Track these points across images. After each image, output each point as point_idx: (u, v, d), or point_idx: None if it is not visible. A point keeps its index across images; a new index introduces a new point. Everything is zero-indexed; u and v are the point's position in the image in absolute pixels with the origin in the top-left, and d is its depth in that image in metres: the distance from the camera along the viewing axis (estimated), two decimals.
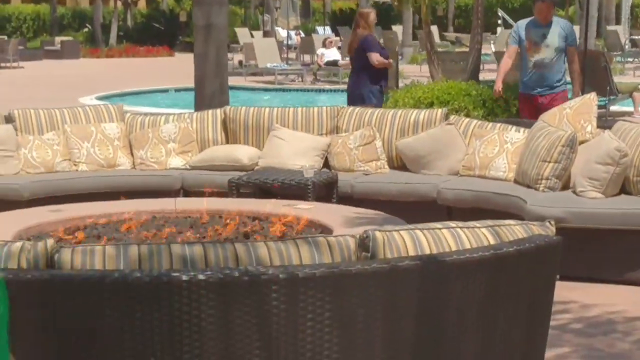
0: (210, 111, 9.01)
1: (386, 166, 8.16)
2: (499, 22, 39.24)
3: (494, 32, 37.53)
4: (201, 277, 2.86)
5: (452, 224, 3.36)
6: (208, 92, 11.15)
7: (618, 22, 36.93)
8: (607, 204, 6.61)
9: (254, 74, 27.13)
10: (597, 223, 6.53)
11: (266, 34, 36.77)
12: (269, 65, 25.95)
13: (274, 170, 8.04)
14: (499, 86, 9.78)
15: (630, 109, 16.57)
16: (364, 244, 3.19)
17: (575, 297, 6.11)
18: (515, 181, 7.40)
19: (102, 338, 2.91)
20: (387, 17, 41.51)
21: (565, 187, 7.07)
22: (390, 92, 12.18)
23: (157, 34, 46.02)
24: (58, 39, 42.11)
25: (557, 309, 5.15)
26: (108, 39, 44.09)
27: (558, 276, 3.57)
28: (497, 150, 7.65)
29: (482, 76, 16.87)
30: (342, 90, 22.98)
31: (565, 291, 5.92)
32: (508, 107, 11.56)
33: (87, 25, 48.78)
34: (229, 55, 30.11)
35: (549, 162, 7.04)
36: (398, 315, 3.07)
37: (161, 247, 3.06)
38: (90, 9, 51.15)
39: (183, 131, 8.64)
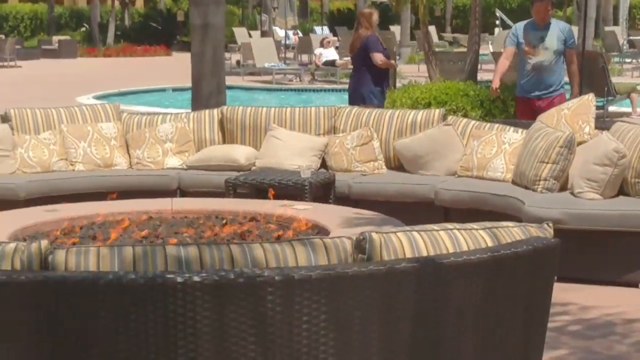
0: (207, 111, 8.99)
1: (384, 167, 8.14)
2: (497, 22, 39.23)
3: (492, 33, 37.54)
4: (196, 278, 2.84)
5: (449, 225, 3.33)
6: (205, 92, 11.13)
7: (616, 23, 36.94)
8: (605, 205, 6.59)
9: (251, 74, 27.14)
10: (595, 224, 6.51)
11: (264, 34, 36.77)
12: (266, 65, 25.95)
13: (271, 170, 8.02)
14: (496, 84, 9.70)
15: (628, 109, 16.57)
16: (361, 245, 3.16)
17: (573, 299, 6.09)
18: (513, 182, 7.38)
19: (96, 340, 2.89)
20: (384, 17, 41.50)
21: (563, 188, 7.06)
22: (388, 92, 12.18)
23: (154, 33, 46.01)
24: (55, 38, 42.12)
25: (555, 310, 5.13)
26: (105, 39, 44.09)
27: (555, 278, 3.55)
28: (494, 151, 7.63)
29: (480, 76, 16.87)
30: (340, 90, 23.07)
31: (563, 293, 5.90)
32: (506, 108, 11.55)
33: (85, 24, 48.77)
34: (227, 55, 30.22)
35: (547, 163, 7.02)
36: (395, 317, 3.05)
37: (156, 249, 3.04)
38: (87, 8, 51.17)
39: (180, 131, 8.62)
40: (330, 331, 2.94)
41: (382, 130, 8.29)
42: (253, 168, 8.28)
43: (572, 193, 6.88)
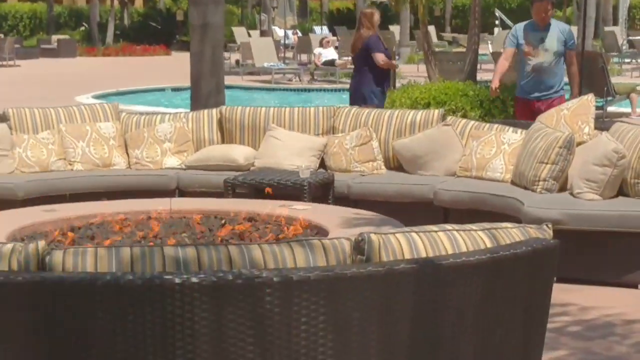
0: (206, 111, 8.98)
1: (383, 167, 8.13)
2: (497, 22, 39.22)
3: (491, 33, 37.53)
4: (194, 279, 2.83)
5: (448, 226, 3.32)
6: (204, 92, 11.12)
7: (615, 23, 36.92)
8: (604, 206, 6.58)
9: (250, 74, 27.12)
10: (594, 225, 6.50)
11: (263, 34, 36.76)
12: (266, 64, 25.95)
13: (270, 170, 8.01)
14: (495, 84, 9.61)
15: (628, 109, 16.56)
16: (359, 246, 3.15)
17: (572, 300, 6.08)
18: (512, 182, 7.37)
19: (93, 341, 2.87)
20: (384, 17, 41.46)
21: (563, 188, 7.04)
22: (387, 92, 12.17)
23: (154, 32, 46.01)
24: (55, 37, 42.10)
25: (554, 311, 5.12)
26: (105, 38, 44.08)
27: (555, 278, 3.54)
28: (494, 151, 7.62)
29: (480, 76, 16.86)
30: (339, 90, 23.07)
31: (562, 294, 5.89)
32: (505, 108, 11.53)
33: (84, 23, 48.76)
34: (226, 54, 30.21)
35: (546, 163, 7.00)
36: (394, 319, 3.04)
37: (154, 249, 3.03)
38: (87, 7, 51.13)
39: (179, 131, 8.60)
40: (328, 332, 2.93)
41: (381, 130, 8.28)
42: (252, 168, 8.27)
43: (571, 193, 6.87)
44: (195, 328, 2.83)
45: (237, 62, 28.92)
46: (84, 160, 8.36)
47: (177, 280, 2.82)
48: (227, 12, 42.77)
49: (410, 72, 24.94)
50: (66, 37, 43.02)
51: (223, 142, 8.67)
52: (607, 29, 33.54)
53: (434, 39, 34.26)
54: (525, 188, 7.12)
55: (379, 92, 11.59)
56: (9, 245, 3.08)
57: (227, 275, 2.84)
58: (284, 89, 24.68)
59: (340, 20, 47.38)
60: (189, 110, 10.29)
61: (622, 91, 16.06)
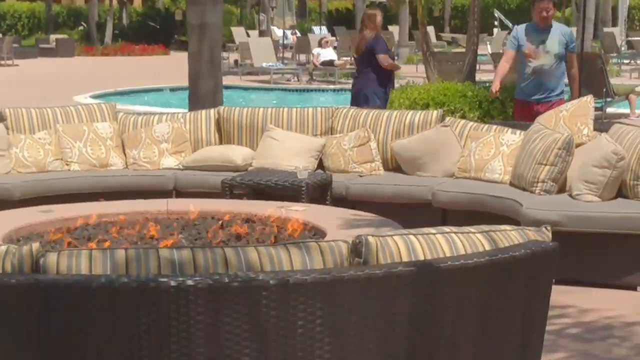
0: (203, 111, 8.95)
1: (381, 168, 8.10)
2: (496, 23, 39.21)
3: (491, 33, 37.50)
4: (190, 282, 2.80)
5: (446, 229, 3.30)
6: (202, 92, 11.10)
7: (614, 23, 36.90)
8: (603, 208, 6.55)
9: (249, 74, 27.10)
10: (593, 227, 6.47)
11: (262, 34, 36.75)
12: (264, 64, 25.93)
13: (267, 171, 7.98)
14: (496, 87, 9.50)
15: (627, 111, 16.55)
16: (357, 249, 3.13)
17: (571, 302, 6.05)
18: (511, 184, 7.35)
19: (87, 344, 2.85)
20: (383, 18, 41.43)
21: (562, 190, 7.02)
22: (390, 93, 12.15)
23: (152, 32, 46.00)
24: (53, 37, 42.08)
25: (553, 313, 5.11)
26: (103, 37, 44.06)
27: (553, 280, 3.52)
28: (492, 153, 7.59)
29: (478, 77, 16.83)
30: (338, 90, 23.05)
31: (561, 295, 5.86)
32: (504, 109, 11.49)
33: (83, 23, 48.75)
34: (225, 54, 30.21)
35: (545, 164, 6.98)
36: (391, 322, 3.01)
37: (149, 252, 3.00)
38: (85, 7, 51.11)
39: (176, 131, 8.57)
40: (325, 336, 2.91)
41: (379, 131, 8.25)
42: (250, 169, 8.24)
43: (570, 195, 6.85)
44: (191, 331, 2.81)
45: (236, 62, 28.89)
46: (81, 161, 8.33)
47: (172, 283, 2.80)
48: (225, 12, 42.73)
49: (409, 72, 24.91)
50: (65, 36, 42.99)
51: (221, 142, 8.65)
52: (606, 29, 33.51)
53: (433, 39, 34.26)
54: (524, 189, 7.10)
55: (382, 93, 11.60)
56: (3, 247, 3.06)
57: (223, 278, 2.82)
58: (283, 89, 24.67)
59: (339, 20, 47.41)
60: (186, 111, 10.27)
61: (621, 92, 16.05)
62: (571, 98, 9.16)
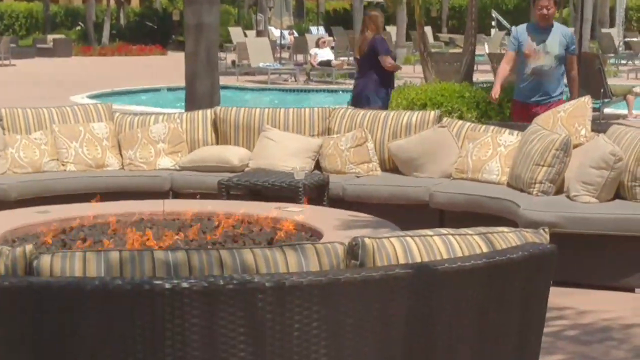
0: (200, 111, 8.93)
1: (378, 168, 8.08)
2: (493, 23, 39.21)
3: (488, 34, 37.48)
4: (185, 284, 2.78)
5: (443, 230, 3.28)
6: (199, 92, 11.07)
7: (612, 24, 36.92)
8: (601, 209, 6.53)
9: (247, 74, 27.08)
10: (591, 228, 6.45)
11: (259, 34, 36.70)
12: (261, 64, 25.92)
13: (264, 171, 7.96)
14: (496, 92, 9.34)
15: (624, 111, 16.55)
16: (353, 251, 3.11)
17: (569, 304, 6.03)
18: (509, 185, 7.32)
19: (81, 348, 2.83)
20: None
21: (559, 191, 7.00)
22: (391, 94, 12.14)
23: (150, 32, 45.98)
24: (50, 37, 42.04)
25: (551, 315, 5.08)
26: (101, 38, 44.02)
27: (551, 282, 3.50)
28: (490, 153, 7.57)
29: (476, 77, 16.82)
30: (336, 91, 23.04)
31: (559, 297, 5.84)
32: (502, 110, 11.48)
33: (80, 23, 48.72)
34: (222, 54, 30.19)
35: (543, 165, 6.96)
36: (388, 324, 2.99)
37: (143, 254, 2.98)
38: (83, 7, 51.06)
39: (173, 131, 8.55)
40: (322, 339, 2.89)
41: (376, 131, 8.23)
42: (246, 169, 8.22)
43: (568, 196, 6.82)
44: (185, 334, 2.79)
45: (233, 62, 28.87)
46: (77, 161, 8.30)
47: (167, 286, 2.77)
48: (223, 12, 42.74)
49: (407, 73, 24.88)
50: (62, 36, 42.96)
51: (217, 143, 8.62)
52: (603, 30, 33.53)
53: (431, 39, 34.25)
54: (522, 190, 7.07)
55: (384, 95, 11.60)
56: None
57: (218, 280, 2.80)
58: (280, 90, 24.65)
59: (336, 20, 47.39)
60: (183, 111, 10.24)
61: (619, 93, 16.05)
62: (570, 100, 9.08)
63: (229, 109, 8.72)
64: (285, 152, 8.16)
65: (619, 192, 6.73)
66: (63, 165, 8.28)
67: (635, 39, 32.15)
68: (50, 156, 8.25)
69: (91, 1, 45.42)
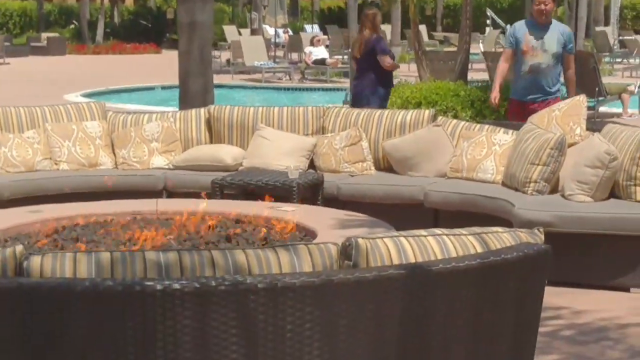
0: (194, 110, 8.89)
1: (372, 167, 8.05)
2: (488, 22, 39.19)
3: (483, 32, 37.52)
4: (176, 286, 2.75)
5: (438, 231, 3.26)
6: (192, 90, 11.04)
7: (607, 23, 36.94)
8: (596, 208, 6.51)
9: (241, 72, 27.06)
10: (585, 227, 6.43)
11: (254, 32, 36.64)
12: (256, 63, 25.90)
13: (258, 171, 7.93)
14: (495, 96, 9.27)
15: (619, 110, 16.54)
16: (347, 251, 3.08)
17: (565, 303, 6.01)
18: (503, 184, 7.30)
19: (71, 349, 2.80)
20: None
21: (554, 190, 6.98)
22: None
23: (144, 31, 45.93)
24: (44, 35, 41.98)
25: (546, 315, 5.07)
26: (95, 36, 43.96)
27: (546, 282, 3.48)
28: (485, 152, 7.55)
29: (471, 76, 16.80)
30: (330, 89, 23.02)
31: (554, 297, 5.83)
32: (497, 109, 11.45)
33: (74, 21, 48.64)
34: (217, 53, 30.14)
35: (538, 164, 6.94)
36: (382, 325, 2.97)
37: (135, 254, 2.95)
38: (77, 5, 51.00)
39: (166, 130, 8.52)
40: (315, 340, 2.87)
41: (371, 130, 8.20)
42: (240, 168, 8.19)
43: (562, 195, 6.80)
44: (177, 336, 2.76)
45: (228, 60, 28.84)
46: (69, 160, 8.26)
47: (158, 287, 2.74)
48: (217, 11, 42.73)
49: (401, 71, 24.80)
50: (56, 35, 42.89)
51: (211, 141, 8.59)
52: (598, 28, 33.54)
53: (425, 38, 34.25)
54: (516, 190, 7.05)
55: (383, 94, 11.57)
56: None
57: (210, 281, 2.77)
58: (275, 88, 24.64)
59: (331, 19, 47.39)
60: (177, 110, 10.21)
61: (614, 91, 16.03)
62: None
63: (222, 108, 8.69)
64: (279, 151, 8.14)
65: (614, 191, 6.71)
66: (56, 164, 8.25)
67: (630, 38, 32.13)
68: (43, 155, 8.22)
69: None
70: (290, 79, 26.01)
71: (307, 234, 5.53)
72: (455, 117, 10.76)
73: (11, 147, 8.13)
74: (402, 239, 3.16)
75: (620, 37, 33.88)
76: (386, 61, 11.51)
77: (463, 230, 3.29)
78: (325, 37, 31.18)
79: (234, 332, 2.78)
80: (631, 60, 29.16)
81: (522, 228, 3.56)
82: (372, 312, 2.94)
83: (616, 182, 6.66)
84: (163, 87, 22.96)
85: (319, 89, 23.70)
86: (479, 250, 3.22)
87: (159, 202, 6.38)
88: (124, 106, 17.93)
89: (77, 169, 8.23)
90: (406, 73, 23.21)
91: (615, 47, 31.90)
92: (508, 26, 10.39)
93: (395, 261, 3.09)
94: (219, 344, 2.78)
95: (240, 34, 34.76)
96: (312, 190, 7.56)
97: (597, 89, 14.63)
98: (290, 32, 38.68)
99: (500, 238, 3.30)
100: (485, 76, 17.95)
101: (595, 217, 6.43)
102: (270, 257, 3.00)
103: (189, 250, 2.98)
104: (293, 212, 5.95)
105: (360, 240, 3.09)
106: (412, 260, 3.11)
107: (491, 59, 16.88)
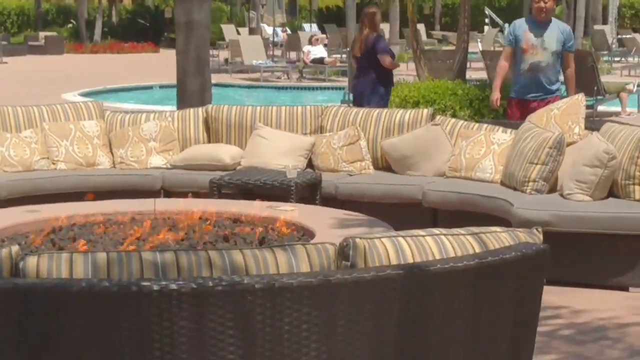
0: (192, 109, 8.88)
1: (371, 167, 8.04)
2: (486, 20, 39.19)
3: (481, 31, 37.54)
4: (173, 286, 2.73)
5: (436, 231, 3.25)
6: (190, 90, 11.03)
7: (605, 21, 36.95)
8: (594, 207, 6.50)
9: (240, 71, 27.05)
10: (584, 227, 6.42)
11: (252, 31, 36.65)
12: (254, 62, 25.88)
13: (256, 170, 7.91)
14: (496, 97, 9.25)
15: (618, 109, 16.53)
16: (344, 252, 3.07)
17: (563, 303, 6.00)
18: (502, 183, 7.29)
19: (67, 350, 2.79)
20: None
21: (553, 189, 6.97)
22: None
23: (142, 30, 45.88)
24: (42, 34, 41.93)
25: (545, 314, 5.06)
26: (92, 35, 43.92)
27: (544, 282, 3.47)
28: (483, 152, 7.53)
29: (469, 75, 16.81)
30: (329, 88, 23.01)
31: (552, 296, 5.82)
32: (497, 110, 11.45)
33: (72, 20, 48.61)
34: (215, 52, 30.12)
35: (536, 164, 6.92)
36: (380, 326, 2.96)
37: (131, 255, 2.93)
38: (74, 4, 50.96)
39: (164, 130, 8.50)
40: (312, 340, 2.85)
41: (369, 129, 8.19)
42: (238, 168, 8.17)
43: (561, 194, 6.79)
44: (174, 337, 2.75)
45: (226, 60, 28.83)
46: (67, 160, 8.25)
47: (155, 287, 2.73)
48: (215, 10, 42.74)
49: (400, 70, 24.81)
50: (54, 34, 42.84)
51: (209, 141, 8.58)
52: (596, 27, 33.55)
53: (424, 37, 34.22)
54: (515, 189, 7.04)
55: (384, 93, 11.56)
56: None
57: (207, 282, 2.76)
58: (273, 87, 24.63)
59: (329, 18, 47.35)
60: (175, 109, 10.20)
61: (612, 90, 16.04)
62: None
63: (220, 107, 8.68)
64: (277, 151, 8.12)
65: (613, 191, 6.70)
66: (53, 163, 8.23)
67: (628, 36, 32.14)
68: (40, 155, 8.20)
69: None
70: (289, 78, 26.01)
71: (305, 234, 5.52)
72: (453, 116, 10.76)
73: (8, 147, 8.11)
74: (400, 239, 3.15)
75: (619, 36, 33.88)
76: (386, 60, 11.51)
77: (461, 230, 3.28)
78: (324, 36, 31.15)
79: (231, 333, 2.77)
80: (629, 59, 29.18)
81: (521, 227, 3.55)
82: (370, 313, 2.92)
83: (615, 181, 6.65)
84: (161, 87, 22.95)
85: (317, 88, 23.70)
86: (478, 250, 3.21)
87: (157, 201, 6.37)
88: (122, 105, 17.92)
89: (75, 169, 8.22)
90: (404, 72, 23.21)
91: (613, 45, 31.89)
92: (506, 25, 10.37)
93: (394, 261, 3.08)
94: (216, 344, 2.77)
95: (238, 33, 34.75)
96: (310, 189, 7.55)
97: (595, 87, 14.63)
98: (289, 31, 38.67)
99: (499, 238, 3.29)
100: (483, 75, 17.94)
101: (594, 217, 6.42)
102: (268, 258, 2.98)
103: (186, 251, 2.96)
104: (291, 212, 5.93)
105: (358, 240, 3.08)
106: (410, 261, 3.10)
107: (489, 57, 16.87)
